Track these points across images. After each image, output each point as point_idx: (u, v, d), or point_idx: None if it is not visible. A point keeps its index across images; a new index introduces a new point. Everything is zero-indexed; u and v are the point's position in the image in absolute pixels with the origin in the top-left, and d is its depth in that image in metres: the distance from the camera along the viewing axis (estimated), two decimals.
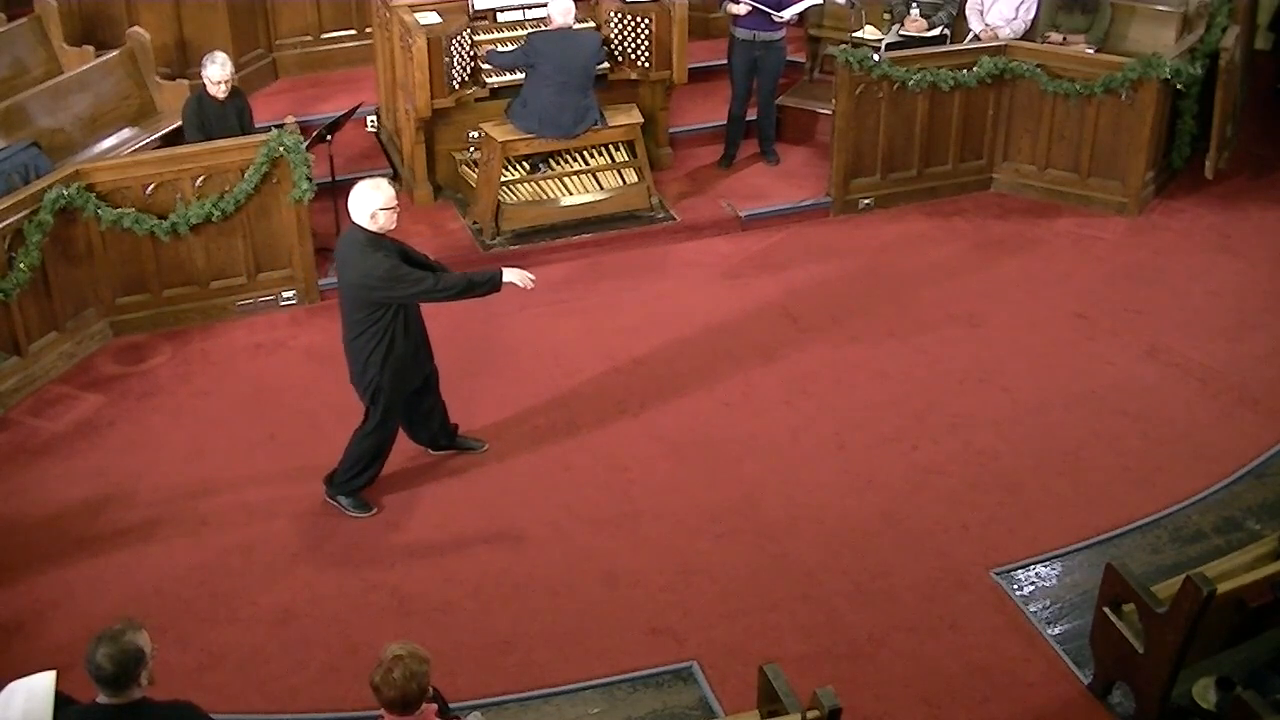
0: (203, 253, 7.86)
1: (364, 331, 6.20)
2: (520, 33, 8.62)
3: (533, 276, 6.40)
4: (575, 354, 7.77)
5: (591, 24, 8.93)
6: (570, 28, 8.43)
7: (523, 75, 8.53)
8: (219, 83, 7.99)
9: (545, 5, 8.55)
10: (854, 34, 9.49)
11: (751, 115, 9.56)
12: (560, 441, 7.06)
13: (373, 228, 6.08)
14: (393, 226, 6.15)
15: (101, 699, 4.07)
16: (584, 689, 5.71)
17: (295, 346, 7.87)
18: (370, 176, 9.09)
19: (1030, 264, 8.68)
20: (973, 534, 6.52)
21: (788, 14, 9.03)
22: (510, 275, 6.33)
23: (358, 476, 6.58)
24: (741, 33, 9.15)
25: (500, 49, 8.63)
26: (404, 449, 6.99)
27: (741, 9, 8.99)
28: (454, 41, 8.49)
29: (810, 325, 8.05)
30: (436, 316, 8.22)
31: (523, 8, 8.85)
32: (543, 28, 8.55)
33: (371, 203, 6.04)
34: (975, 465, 6.95)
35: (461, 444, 6.99)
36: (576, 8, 8.60)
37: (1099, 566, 5.79)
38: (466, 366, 7.54)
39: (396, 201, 6.13)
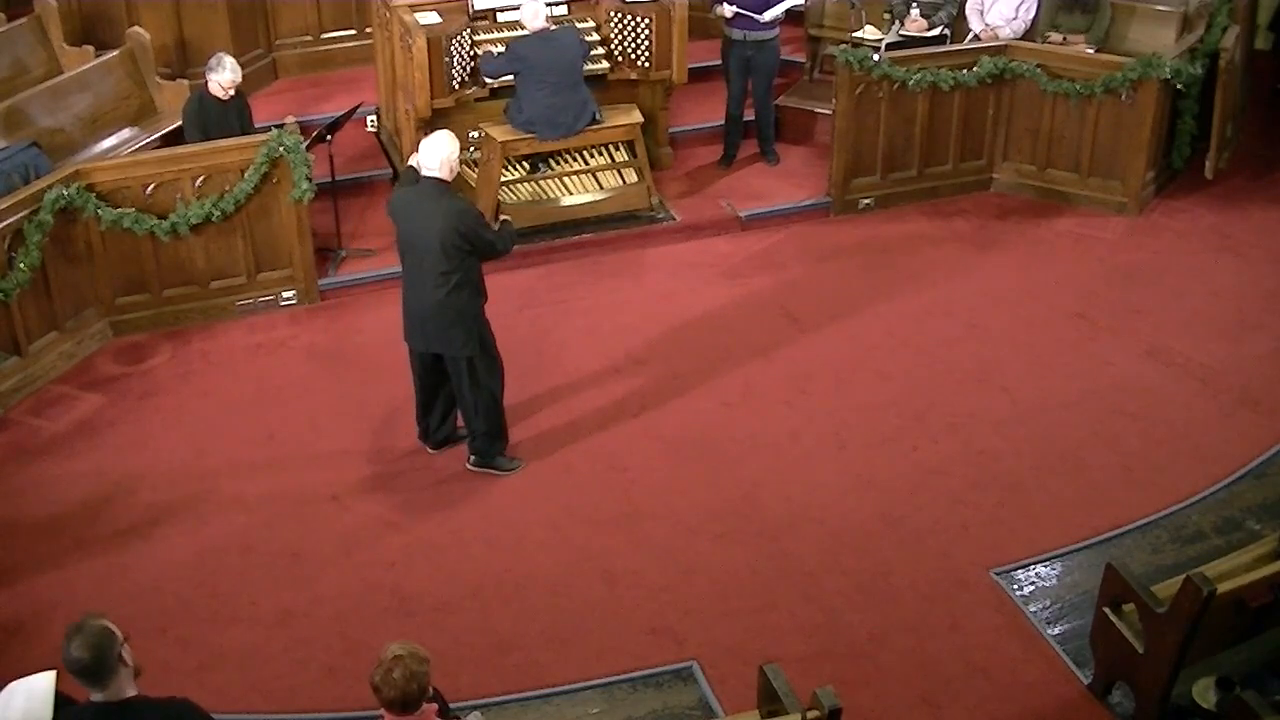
0: (203, 253, 7.86)
1: (459, 283, 6.32)
2: (520, 33, 8.60)
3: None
4: (575, 354, 7.76)
5: (591, 23, 8.93)
6: (548, 29, 8.41)
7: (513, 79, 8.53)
8: (229, 87, 8.01)
9: (520, 13, 8.52)
10: (854, 34, 9.50)
11: (750, 115, 9.57)
12: (560, 441, 7.06)
13: (448, 177, 6.32)
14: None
15: (95, 697, 4.05)
16: (584, 689, 5.71)
17: (295, 346, 7.87)
18: (368, 175, 9.23)
19: (1030, 264, 8.68)
20: (973, 534, 6.52)
21: (769, 15, 9.03)
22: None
23: (499, 433, 6.78)
24: (734, 33, 9.17)
25: (492, 50, 8.60)
26: (403, 447, 7.00)
27: (728, 11, 9.02)
28: (454, 41, 8.48)
29: (810, 325, 8.05)
30: None
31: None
32: (520, 33, 8.53)
33: (450, 151, 6.30)
34: (975, 465, 6.95)
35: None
36: (575, 7, 8.57)
37: (1099, 566, 5.79)
38: None
39: None
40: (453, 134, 6.46)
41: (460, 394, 6.70)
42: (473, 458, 6.84)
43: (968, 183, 9.41)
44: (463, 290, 6.34)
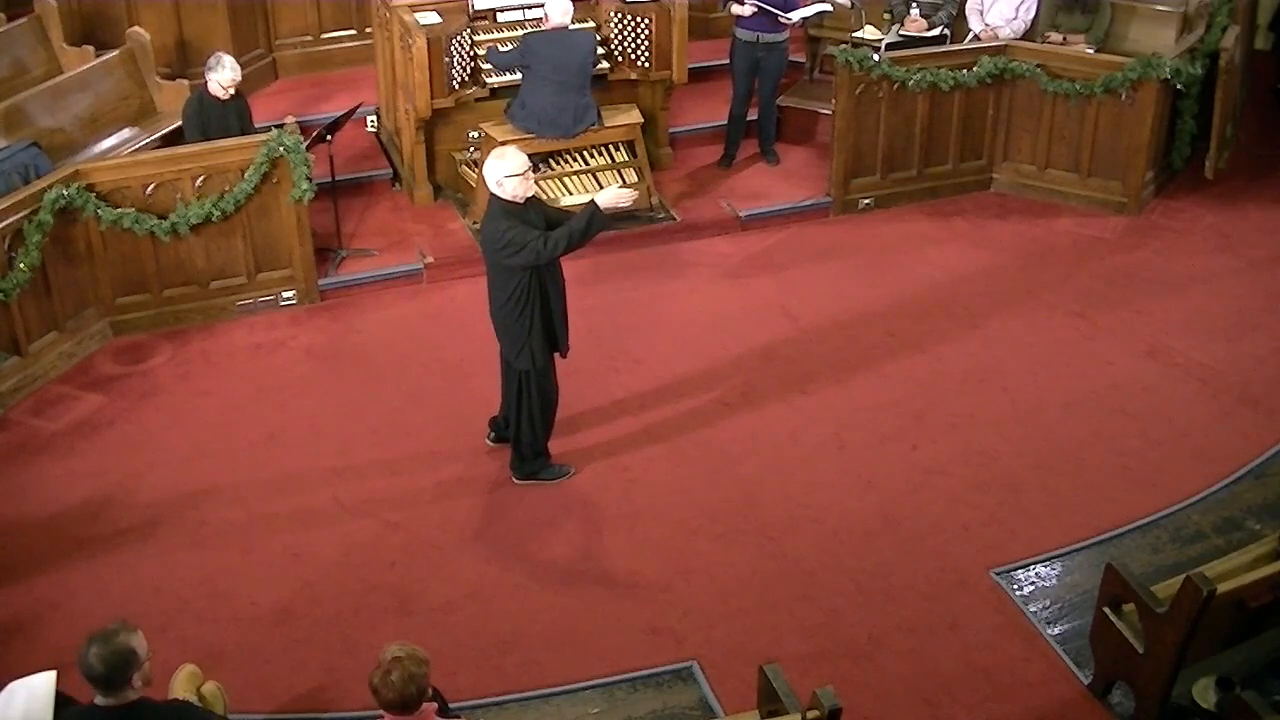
0: (203, 253, 7.86)
1: (509, 298, 6.31)
2: (520, 33, 8.61)
3: (627, 192, 6.41)
4: (574, 354, 7.72)
5: (592, 24, 8.94)
6: (566, 28, 8.41)
7: (520, 76, 8.53)
8: (229, 86, 8.01)
9: (545, 5, 8.54)
10: (854, 34, 9.49)
11: (752, 115, 9.56)
12: (560, 441, 7.04)
13: (504, 195, 6.18)
14: (526, 193, 6.20)
15: (99, 700, 4.06)
16: (584, 689, 5.71)
17: (295, 346, 7.87)
18: (368, 175, 9.23)
19: (1030, 264, 8.68)
20: (973, 534, 6.52)
21: (796, 16, 9.02)
22: (603, 199, 6.30)
23: (534, 453, 6.74)
24: (744, 34, 9.14)
25: (500, 48, 8.63)
26: (403, 447, 7.00)
27: (746, 10, 8.98)
28: (454, 41, 8.49)
29: (810, 325, 8.05)
30: (439, 320, 8.26)
31: (523, 8, 8.85)
32: (538, 28, 8.55)
33: (497, 171, 6.14)
34: (975, 465, 6.95)
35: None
36: (576, 8, 8.59)
37: (1099, 566, 5.79)
38: (467, 366, 7.55)
39: (527, 167, 6.18)
40: (509, 150, 6.23)
41: (509, 399, 6.69)
42: (513, 473, 6.82)
43: (968, 183, 9.41)
44: (509, 305, 6.30)
